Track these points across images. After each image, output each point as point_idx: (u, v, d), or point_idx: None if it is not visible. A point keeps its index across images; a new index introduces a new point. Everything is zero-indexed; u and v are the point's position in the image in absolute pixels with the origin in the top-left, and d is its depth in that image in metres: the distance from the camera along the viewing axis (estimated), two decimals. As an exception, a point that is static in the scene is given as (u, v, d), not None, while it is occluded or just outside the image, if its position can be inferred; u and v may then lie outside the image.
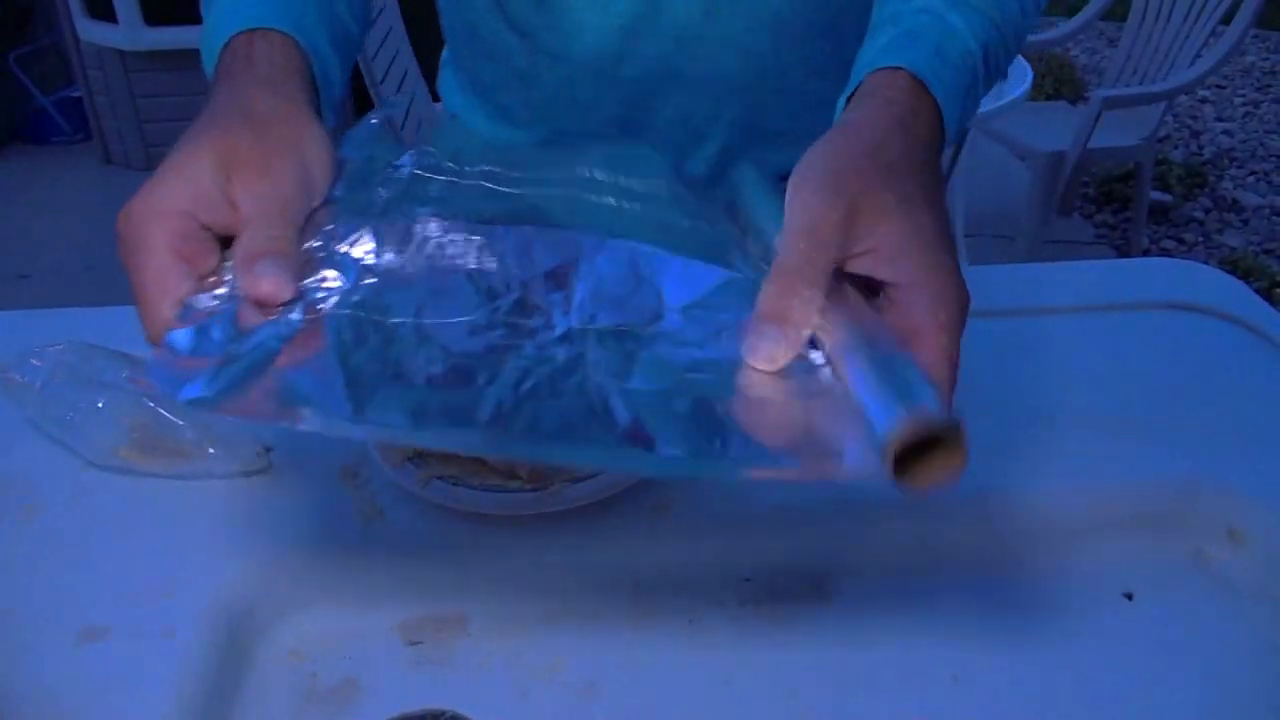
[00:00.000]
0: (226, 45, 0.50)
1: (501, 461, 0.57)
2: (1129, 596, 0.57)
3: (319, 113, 0.49)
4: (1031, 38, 3.22)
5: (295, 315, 0.40)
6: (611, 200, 0.49)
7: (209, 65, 0.52)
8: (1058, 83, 4.34)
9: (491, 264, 0.45)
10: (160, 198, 0.42)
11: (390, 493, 0.58)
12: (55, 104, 3.93)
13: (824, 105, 0.64)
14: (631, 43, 0.70)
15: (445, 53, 0.88)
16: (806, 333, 0.40)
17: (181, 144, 0.44)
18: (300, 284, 0.41)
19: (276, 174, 0.44)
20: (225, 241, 0.43)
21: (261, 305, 0.40)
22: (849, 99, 0.50)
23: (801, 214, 0.42)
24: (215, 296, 0.41)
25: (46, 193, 3.61)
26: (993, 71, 0.55)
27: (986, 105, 2.22)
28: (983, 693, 0.51)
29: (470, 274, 0.45)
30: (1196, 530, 0.60)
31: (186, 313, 0.40)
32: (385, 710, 0.50)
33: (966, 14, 0.52)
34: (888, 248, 0.42)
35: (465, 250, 0.46)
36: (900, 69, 0.48)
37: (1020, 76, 2.38)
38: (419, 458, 0.57)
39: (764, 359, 0.40)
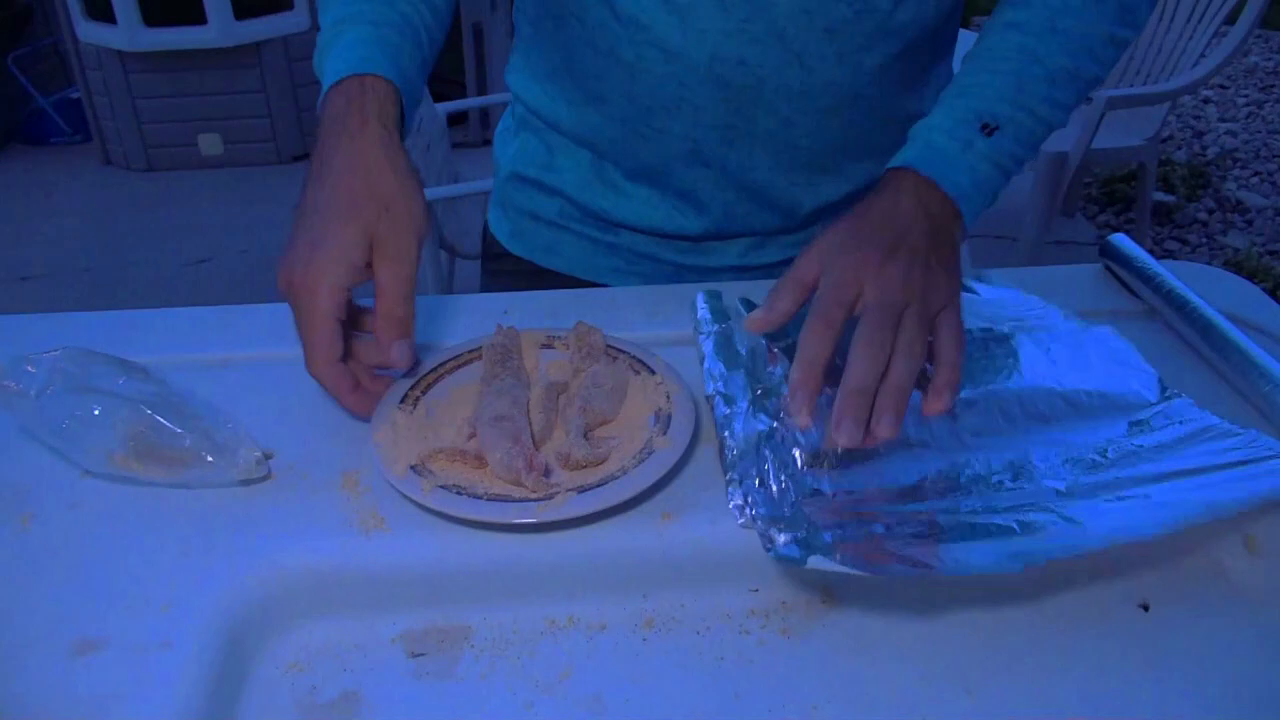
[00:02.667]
0: (339, 84, 0.64)
1: (506, 472, 0.56)
2: (1145, 607, 0.56)
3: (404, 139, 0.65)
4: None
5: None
6: None
7: (325, 82, 0.65)
8: (1060, 83, 4.33)
9: None
10: (323, 273, 0.58)
11: (392, 501, 0.57)
12: (54, 105, 3.93)
13: (907, 119, 0.68)
14: (751, 50, 0.72)
15: (518, 39, 0.88)
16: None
17: (333, 219, 0.59)
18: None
19: (405, 254, 0.60)
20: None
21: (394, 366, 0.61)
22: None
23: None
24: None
25: (45, 193, 3.61)
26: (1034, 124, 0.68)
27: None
28: (998, 705, 0.50)
29: None
30: (1213, 539, 0.59)
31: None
32: (387, 724, 0.49)
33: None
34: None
35: None
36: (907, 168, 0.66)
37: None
38: (422, 466, 0.57)
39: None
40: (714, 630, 0.54)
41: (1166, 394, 0.64)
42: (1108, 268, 0.83)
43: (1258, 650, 0.54)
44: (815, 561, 0.49)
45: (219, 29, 3.53)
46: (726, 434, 0.59)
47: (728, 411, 0.61)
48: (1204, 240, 3.23)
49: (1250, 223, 3.34)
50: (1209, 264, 0.83)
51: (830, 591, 0.57)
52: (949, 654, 0.53)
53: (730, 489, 0.57)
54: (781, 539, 0.52)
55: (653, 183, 0.83)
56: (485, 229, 0.97)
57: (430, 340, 0.72)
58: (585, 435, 0.60)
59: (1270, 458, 0.57)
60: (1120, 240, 0.83)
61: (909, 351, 0.56)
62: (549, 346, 0.68)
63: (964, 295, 0.72)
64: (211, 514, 0.56)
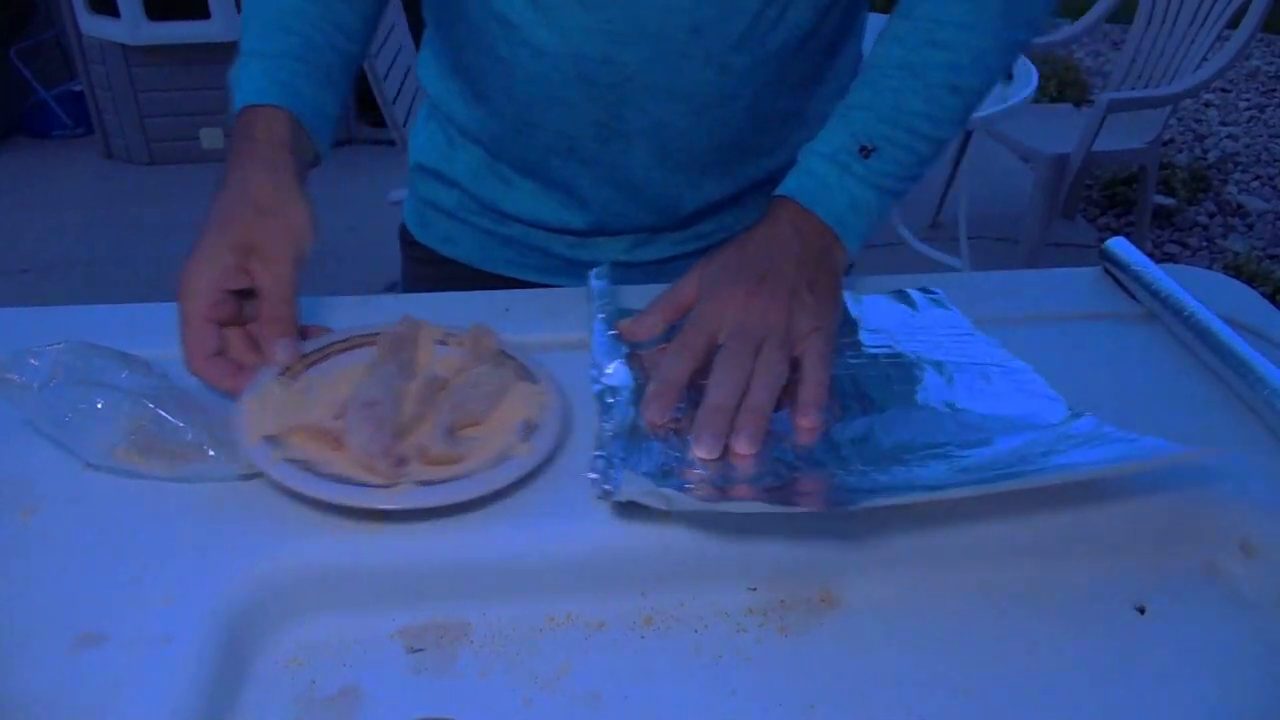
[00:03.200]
0: (239, 115, 0.70)
1: (363, 456, 0.56)
2: (1141, 610, 0.56)
3: (307, 168, 0.71)
4: (1036, 39, 3.22)
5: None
6: None
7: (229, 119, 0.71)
8: (1062, 85, 4.34)
9: None
10: (191, 277, 0.62)
11: (392, 497, 0.57)
12: (56, 98, 3.93)
13: (792, 119, 0.69)
14: (616, 49, 0.72)
15: (426, 33, 0.89)
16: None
17: (211, 229, 0.64)
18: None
19: (280, 257, 0.64)
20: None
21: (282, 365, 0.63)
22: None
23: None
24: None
25: (47, 187, 3.61)
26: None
27: (990, 108, 2.21)
28: (994, 707, 0.51)
29: None
30: (1208, 542, 0.59)
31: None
32: (386, 719, 0.49)
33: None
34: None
35: None
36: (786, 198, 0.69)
37: (1025, 79, 2.38)
38: (278, 438, 0.57)
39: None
40: (712, 628, 0.55)
41: (1071, 414, 0.63)
42: (1107, 271, 0.83)
43: (1254, 653, 0.54)
44: (661, 497, 0.53)
45: (222, 23, 3.53)
46: (606, 424, 0.61)
47: (611, 402, 0.63)
48: (1204, 244, 3.23)
49: (1251, 227, 3.34)
50: (1209, 268, 0.84)
51: (829, 591, 0.57)
52: (946, 654, 0.53)
53: (596, 462, 0.58)
54: (625, 480, 0.55)
55: (537, 178, 0.84)
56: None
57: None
58: (451, 433, 0.60)
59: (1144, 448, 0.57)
60: (1119, 244, 0.83)
61: (766, 373, 0.61)
62: (444, 343, 0.68)
63: (902, 311, 0.75)
64: (213, 508, 0.57)
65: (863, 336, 0.71)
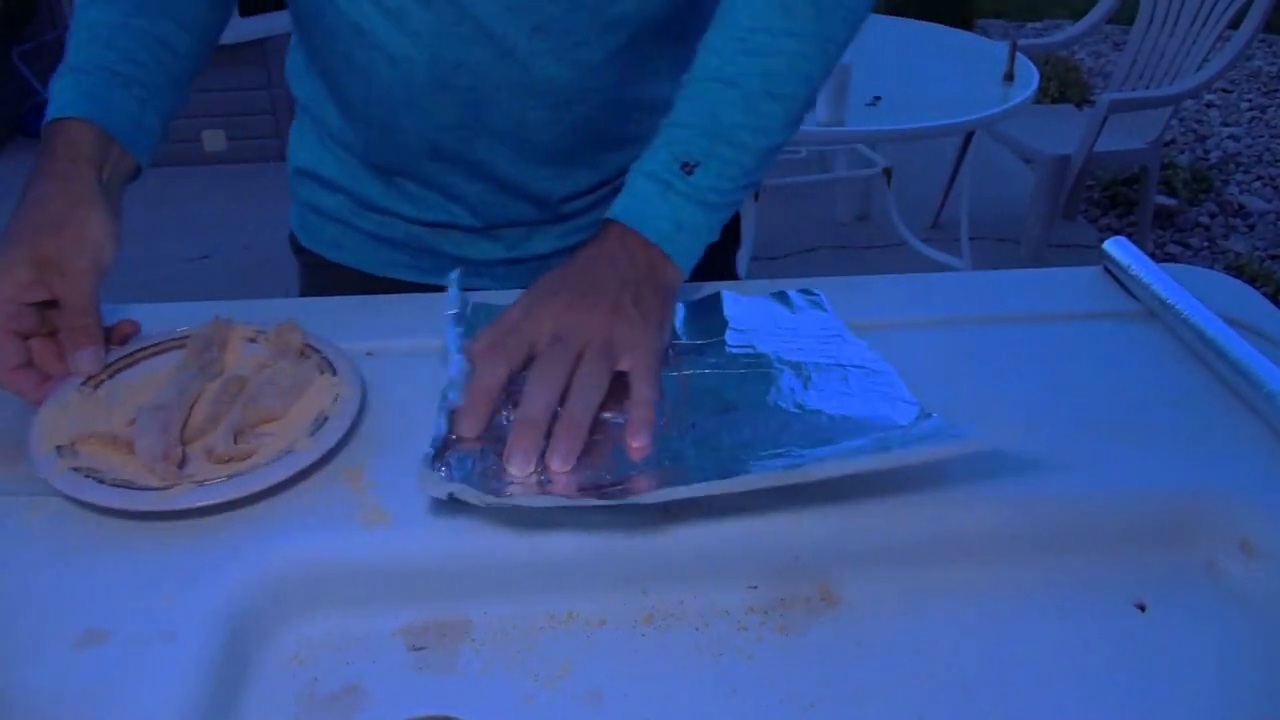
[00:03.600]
0: (45, 128, 0.70)
1: (147, 459, 0.57)
2: (1141, 608, 0.56)
3: (123, 179, 0.73)
4: (1037, 40, 3.22)
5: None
6: None
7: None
8: (1063, 86, 4.34)
9: None
10: None
11: (394, 496, 0.57)
12: (59, 99, 3.92)
13: (658, 106, 0.69)
14: (466, 51, 0.72)
15: (293, 36, 0.89)
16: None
17: (7, 245, 0.64)
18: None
19: (76, 270, 0.64)
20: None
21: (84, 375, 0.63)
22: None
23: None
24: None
25: (49, 188, 3.60)
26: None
27: (991, 109, 2.21)
28: (994, 704, 0.51)
29: None
30: (1209, 541, 0.59)
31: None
32: (388, 717, 0.49)
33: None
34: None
35: None
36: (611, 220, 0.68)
37: (1026, 80, 2.38)
38: (69, 447, 0.58)
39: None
40: (713, 626, 0.55)
41: (921, 415, 0.61)
42: (1107, 270, 0.83)
43: (1254, 652, 0.54)
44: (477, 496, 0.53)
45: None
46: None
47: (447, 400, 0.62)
48: (1205, 244, 3.23)
49: (1252, 227, 3.34)
50: (1210, 268, 0.83)
51: (829, 589, 0.57)
52: (947, 652, 0.53)
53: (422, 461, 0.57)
54: (443, 478, 0.55)
55: (412, 178, 0.84)
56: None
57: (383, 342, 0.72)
58: (244, 431, 0.61)
59: (956, 438, 0.56)
60: (1119, 243, 0.83)
61: (586, 384, 0.59)
62: (254, 341, 0.68)
63: (777, 312, 0.74)
64: (215, 506, 0.57)
65: (727, 336, 0.70)
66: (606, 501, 0.54)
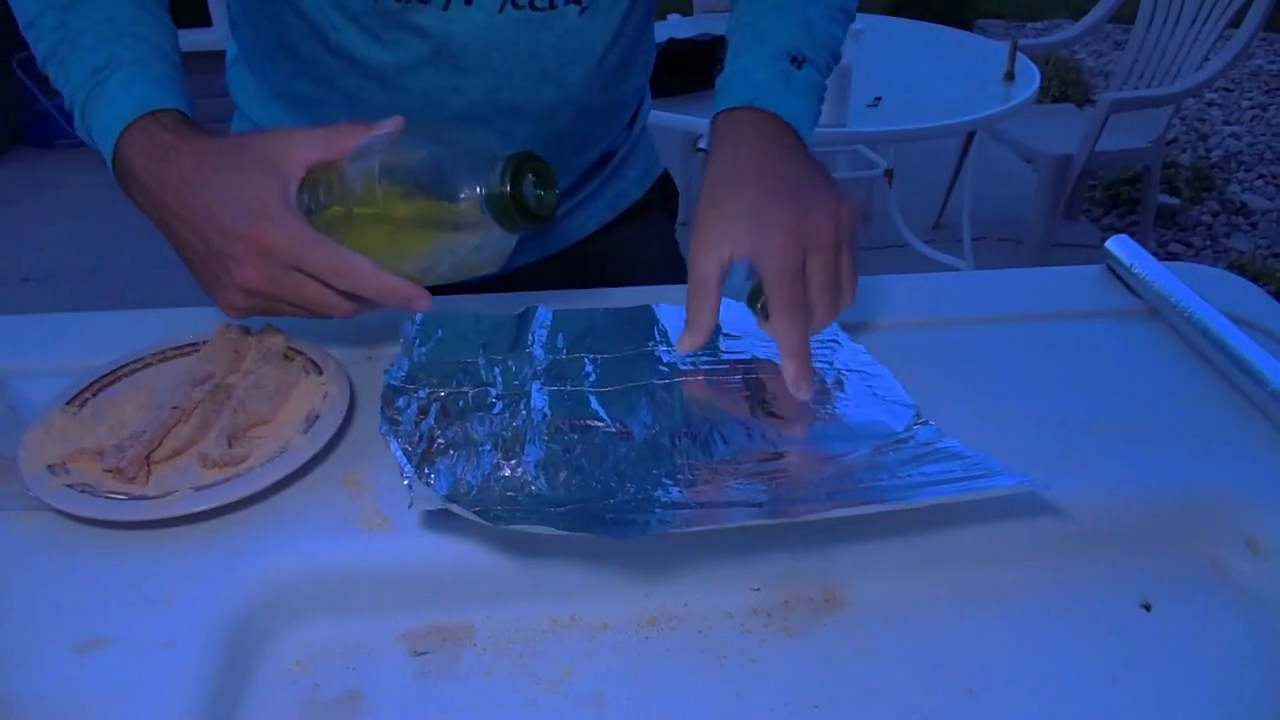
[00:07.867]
0: (129, 129, 0.63)
1: (130, 468, 0.57)
2: (1147, 607, 0.56)
3: None
4: (1038, 40, 3.21)
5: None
6: None
7: (109, 133, 0.65)
8: (1064, 85, 4.33)
9: None
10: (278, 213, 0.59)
11: (395, 501, 0.57)
12: (58, 107, 3.93)
13: (612, 106, 0.82)
14: (463, 79, 0.75)
15: (234, 52, 0.89)
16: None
17: (262, 143, 0.62)
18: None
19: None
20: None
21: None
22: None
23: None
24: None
25: (49, 196, 3.61)
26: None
27: (993, 108, 2.21)
28: (999, 705, 0.50)
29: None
30: (1214, 540, 0.59)
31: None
32: (390, 723, 0.49)
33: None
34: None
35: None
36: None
37: (1027, 79, 2.37)
38: (60, 465, 0.58)
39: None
40: (716, 629, 0.54)
41: (913, 423, 0.61)
42: (1110, 268, 0.83)
43: (1259, 650, 0.54)
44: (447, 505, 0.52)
45: (224, 31, 3.53)
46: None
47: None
48: (1208, 243, 3.22)
49: (1254, 225, 3.33)
50: (1213, 266, 0.83)
51: (832, 590, 0.57)
52: (952, 653, 0.53)
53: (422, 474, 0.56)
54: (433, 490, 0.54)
55: None
56: None
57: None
58: (241, 435, 0.61)
59: (980, 476, 0.55)
60: (1121, 241, 0.83)
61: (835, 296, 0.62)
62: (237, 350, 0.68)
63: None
64: (215, 511, 0.56)
65: (720, 342, 0.70)
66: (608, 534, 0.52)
